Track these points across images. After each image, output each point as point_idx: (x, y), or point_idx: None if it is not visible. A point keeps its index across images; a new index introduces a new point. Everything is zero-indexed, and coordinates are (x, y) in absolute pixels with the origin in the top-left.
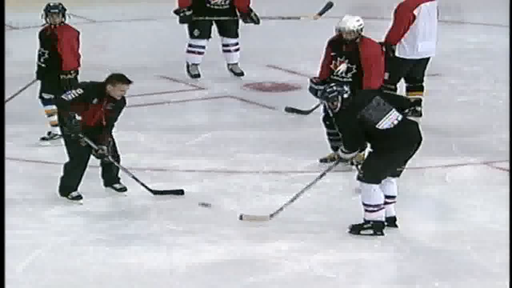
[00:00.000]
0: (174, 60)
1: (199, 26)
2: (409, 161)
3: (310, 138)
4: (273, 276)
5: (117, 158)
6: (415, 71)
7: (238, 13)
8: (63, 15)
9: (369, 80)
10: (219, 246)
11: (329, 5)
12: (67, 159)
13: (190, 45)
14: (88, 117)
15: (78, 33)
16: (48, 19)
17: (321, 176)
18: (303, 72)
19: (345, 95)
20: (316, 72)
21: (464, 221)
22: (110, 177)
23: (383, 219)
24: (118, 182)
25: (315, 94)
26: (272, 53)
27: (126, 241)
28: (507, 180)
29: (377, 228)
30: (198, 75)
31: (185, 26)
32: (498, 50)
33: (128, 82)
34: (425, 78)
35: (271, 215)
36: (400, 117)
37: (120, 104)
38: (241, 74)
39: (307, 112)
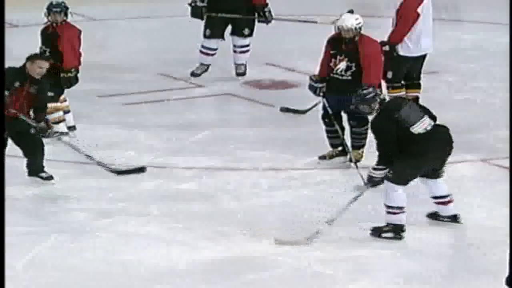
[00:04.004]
0: (173, 58)
1: (210, 25)
2: None
3: (308, 135)
4: (271, 273)
5: (42, 146)
6: (413, 68)
7: (254, 9)
8: (65, 14)
9: (368, 78)
10: (218, 243)
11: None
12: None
13: (201, 45)
14: (13, 103)
15: (80, 31)
16: (50, 18)
17: (356, 199)
18: (301, 70)
19: (382, 96)
20: (315, 70)
21: (462, 218)
22: (36, 166)
23: (404, 222)
24: (44, 171)
25: (314, 92)
26: (271, 51)
27: (126, 238)
28: (505, 177)
29: (397, 231)
30: (197, 75)
31: (193, 24)
32: (495, 48)
33: (47, 59)
34: (422, 76)
35: (308, 239)
36: (432, 123)
37: (43, 86)
38: (241, 74)
39: (303, 112)
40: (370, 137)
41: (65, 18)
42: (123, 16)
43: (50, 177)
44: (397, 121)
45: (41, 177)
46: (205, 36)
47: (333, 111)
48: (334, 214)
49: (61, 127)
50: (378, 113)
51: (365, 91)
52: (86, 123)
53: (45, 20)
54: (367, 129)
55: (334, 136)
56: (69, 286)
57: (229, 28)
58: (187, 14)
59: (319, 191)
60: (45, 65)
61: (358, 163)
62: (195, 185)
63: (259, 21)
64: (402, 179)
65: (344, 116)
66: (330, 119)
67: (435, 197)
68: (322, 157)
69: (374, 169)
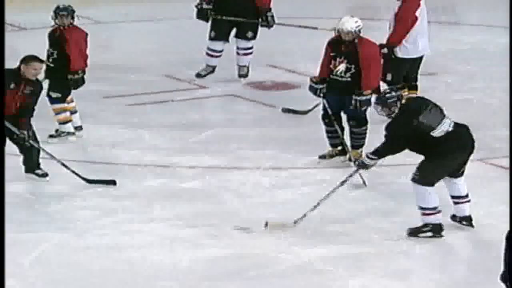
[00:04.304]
0: (177, 59)
1: (215, 27)
2: (407, 158)
3: (309, 135)
4: (273, 269)
5: (37, 145)
6: (410, 70)
7: (259, 12)
8: (72, 17)
9: (368, 79)
10: (220, 241)
11: None
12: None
13: (207, 47)
14: (7, 105)
15: (86, 34)
16: (57, 21)
17: (342, 183)
18: (302, 71)
19: (403, 101)
20: (315, 72)
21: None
22: (32, 163)
23: (441, 221)
24: (40, 168)
25: (315, 93)
26: (272, 53)
27: (130, 236)
28: (502, 177)
29: (436, 230)
30: (201, 76)
31: (197, 26)
32: (493, 50)
33: (41, 61)
34: (421, 77)
35: (295, 222)
36: (452, 124)
37: (37, 88)
38: (243, 76)
39: (305, 112)
40: (369, 137)
41: (71, 21)
42: (126, 18)
43: (45, 174)
44: (416, 127)
45: (37, 174)
46: (210, 38)
47: (333, 112)
48: (321, 198)
49: (68, 127)
50: (397, 116)
51: (388, 95)
52: (91, 123)
53: (52, 23)
54: (366, 129)
55: (334, 136)
56: (74, 283)
57: (234, 30)
58: (191, 15)
59: (319, 189)
60: (40, 66)
61: (356, 162)
62: (198, 184)
63: (261, 25)
64: (428, 180)
65: (344, 117)
66: (330, 120)
67: (451, 197)
68: (322, 157)
69: (368, 157)
